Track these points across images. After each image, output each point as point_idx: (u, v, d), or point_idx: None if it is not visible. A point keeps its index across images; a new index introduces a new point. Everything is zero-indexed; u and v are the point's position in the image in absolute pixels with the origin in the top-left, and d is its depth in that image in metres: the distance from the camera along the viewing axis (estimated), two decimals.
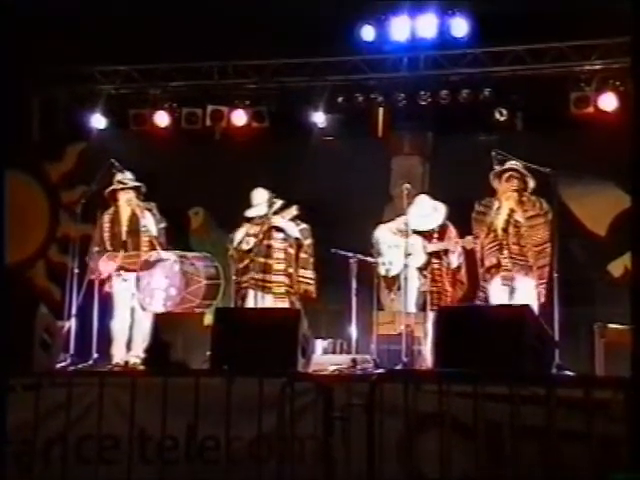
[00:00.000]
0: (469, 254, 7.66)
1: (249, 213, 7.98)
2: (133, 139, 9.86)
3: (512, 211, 7.39)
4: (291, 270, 7.86)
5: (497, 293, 7.36)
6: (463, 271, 7.69)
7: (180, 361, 6.35)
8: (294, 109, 9.82)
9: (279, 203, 7.85)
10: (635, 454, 3.83)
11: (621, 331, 6.94)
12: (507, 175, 7.42)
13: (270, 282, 7.81)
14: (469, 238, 7.52)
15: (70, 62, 9.66)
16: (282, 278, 7.84)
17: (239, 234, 7.90)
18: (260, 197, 7.97)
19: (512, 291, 7.31)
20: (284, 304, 7.79)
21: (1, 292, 6.13)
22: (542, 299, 7.22)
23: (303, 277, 7.90)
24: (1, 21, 6.53)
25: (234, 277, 7.87)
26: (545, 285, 7.24)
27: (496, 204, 7.44)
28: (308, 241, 7.94)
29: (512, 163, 7.45)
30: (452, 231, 7.76)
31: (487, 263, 7.41)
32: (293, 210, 7.84)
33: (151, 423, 4.95)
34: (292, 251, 7.89)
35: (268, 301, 7.78)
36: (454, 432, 4.58)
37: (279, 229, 7.87)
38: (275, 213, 7.85)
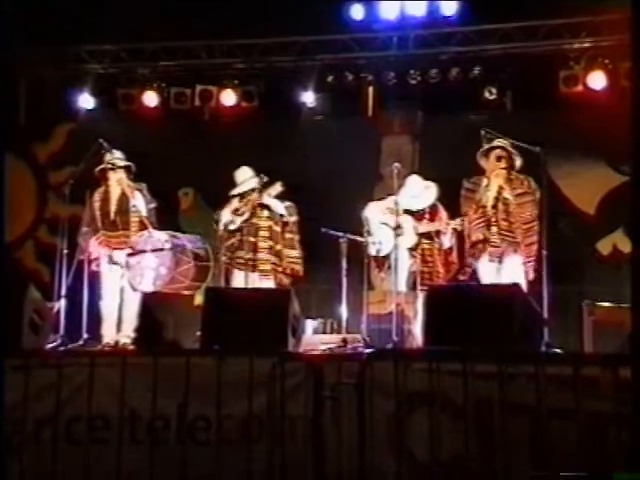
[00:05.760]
0: (459, 234, 7.66)
1: (234, 191, 7.94)
2: (122, 119, 9.83)
3: (501, 189, 7.37)
4: (278, 247, 7.82)
5: (484, 270, 7.36)
6: (455, 252, 7.69)
7: (173, 340, 6.36)
8: (283, 88, 9.80)
9: (264, 179, 7.81)
10: (636, 450, 3.84)
11: (609, 309, 6.98)
12: (495, 154, 7.40)
13: (257, 260, 7.78)
14: (459, 220, 7.52)
15: (57, 42, 9.60)
16: (268, 256, 7.79)
17: (226, 214, 7.87)
18: (243, 175, 7.94)
19: (499, 268, 7.32)
20: (270, 282, 7.77)
21: (2, 272, 6.13)
22: (530, 277, 7.24)
23: (290, 257, 7.87)
24: None
25: (223, 257, 7.85)
26: (533, 263, 7.25)
27: (485, 181, 7.44)
28: (293, 218, 7.91)
29: (499, 141, 7.44)
30: (442, 212, 7.76)
31: (473, 238, 7.40)
32: (278, 186, 7.80)
33: (141, 403, 4.95)
34: (277, 229, 7.85)
35: (255, 279, 7.75)
36: (444, 410, 4.60)
37: (264, 206, 7.84)
38: (260, 190, 7.81)
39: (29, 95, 10.05)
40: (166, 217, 8.46)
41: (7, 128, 9.08)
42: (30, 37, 9.22)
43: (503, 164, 7.38)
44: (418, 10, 9.32)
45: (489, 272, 7.29)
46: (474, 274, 7.41)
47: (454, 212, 7.64)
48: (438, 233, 7.66)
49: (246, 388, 4.67)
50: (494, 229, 7.32)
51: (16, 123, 10.00)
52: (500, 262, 7.29)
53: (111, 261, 7.76)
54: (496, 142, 7.43)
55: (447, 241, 7.65)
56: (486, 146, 7.44)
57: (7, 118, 9.36)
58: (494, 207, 7.34)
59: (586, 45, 9.09)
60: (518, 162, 7.40)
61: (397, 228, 7.49)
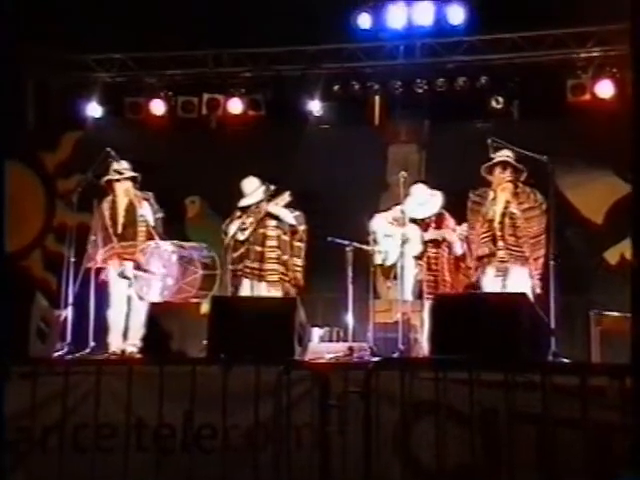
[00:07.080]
0: (468, 239, 7.63)
1: (243, 203, 7.94)
2: (129, 128, 9.86)
3: (508, 203, 7.34)
4: (285, 257, 7.82)
5: (490, 283, 7.32)
6: (468, 258, 7.64)
7: (179, 349, 6.36)
8: (290, 97, 9.82)
9: (272, 189, 7.82)
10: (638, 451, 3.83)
11: (617, 319, 6.95)
12: (500, 167, 7.37)
13: (264, 270, 7.78)
14: (465, 225, 7.51)
15: (65, 50, 9.64)
16: (276, 266, 7.79)
17: (234, 225, 7.87)
18: (251, 186, 7.94)
19: (505, 282, 7.27)
20: (277, 292, 7.77)
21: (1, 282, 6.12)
22: (537, 290, 7.20)
23: (295, 265, 7.87)
24: None
25: (230, 266, 7.85)
26: (541, 277, 7.22)
27: (491, 194, 7.40)
28: (302, 227, 7.90)
29: (503, 154, 7.39)
30: (448, 219, 7.74)
31: (479, 252, 7.38)
32: (286, 196, 7.81)
33: (148, 411, 4.96)
34: (286, 238, 7.85)
35: (262, 289, 7.75)
36: (450, 419, 4.59)
37: (272, 216, 7.84)
38: (268, 200, 7.82)
39: (37, 103, 10.08)
40: (173, 226, 8.47)
41: (13, 136, 9.11)
42: (37, 45, 9.26)
43: (509, 175, 7.34)
44: (425, 19, 9.33)
45: (495, 286, 7.25)
46: (479, 288, 7.36)
47: (460, 220, 7.62)
48: (445, 240, 7.63)
49: (252, 397, 4.67)
50: (501, 244, 7.29)
51: (24, 131, 10.02)
52: (506, 276, 7.26)
53: (120, 275, 7.76)
54: (500, 157, 7.39)
55: (459, 248, 7.61)
56: (489, 163, 7.40)
57: (14, 126, 9.40)
58: (501, 222, 7.32)
59: (594, 54, 9.09)
60: (524, 175, 7.37)
61: (403, 238, 7.48)
